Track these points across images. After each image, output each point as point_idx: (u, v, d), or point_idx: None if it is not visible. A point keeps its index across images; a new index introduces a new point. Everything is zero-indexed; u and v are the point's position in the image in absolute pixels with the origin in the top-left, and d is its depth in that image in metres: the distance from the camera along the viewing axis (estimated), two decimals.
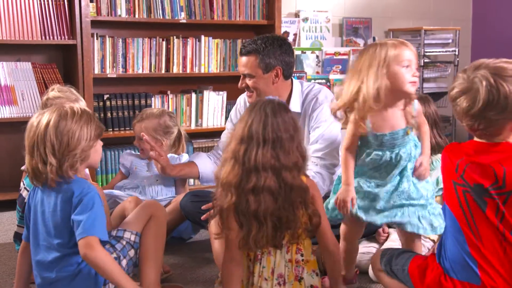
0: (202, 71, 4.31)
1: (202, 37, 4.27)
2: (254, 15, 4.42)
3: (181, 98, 4.28)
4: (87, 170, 2.54)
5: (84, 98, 3.79)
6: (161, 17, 4.10)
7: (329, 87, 4.90)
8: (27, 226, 2.09)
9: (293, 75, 2.90)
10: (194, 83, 4.45)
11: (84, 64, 3.81)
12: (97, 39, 3.93)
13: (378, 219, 2.14)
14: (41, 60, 3.97)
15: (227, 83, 4.39)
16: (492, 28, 5.63)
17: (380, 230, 2.63)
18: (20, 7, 3.72)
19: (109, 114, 4.04)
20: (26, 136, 1.99)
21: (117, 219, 2.66)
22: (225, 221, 1.92)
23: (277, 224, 1.89)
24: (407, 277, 1.94)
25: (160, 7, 4.09)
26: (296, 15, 4.94)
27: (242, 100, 3.03)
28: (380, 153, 2.11)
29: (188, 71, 4.26)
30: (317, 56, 4.92)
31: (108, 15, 3.94)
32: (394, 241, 2.55)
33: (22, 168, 2.38)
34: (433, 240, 2.56)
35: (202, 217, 2.44)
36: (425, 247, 2.44)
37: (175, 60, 4.20)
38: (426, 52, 5.19)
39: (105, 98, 4.03)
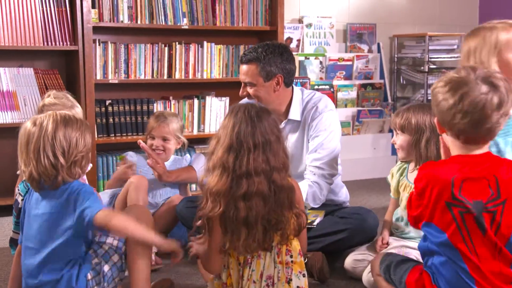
0: (205, 77, 4.30)
1: (205, 43, 4.26)
2: (257, 21, 4.41)
3: (183, 104, 4.28)
4: (84, 176, 2.56)
5: (86, 104, 3.83)
6: (164, 23, 4.10)
7: (332, 93, 4.89)
8: (22, 230, 2.10)
9: (296, 81, 2.88)
10: (197, 89, 4.44)
11: (86, 70, 3.82)
12: (99, 45, 3.94)
13: None
14: (43, 66, 3.98)
15: (229, 89, 4.38)
16: None
17: (380, 239, 2.60)
18: (23, 13, 3.74)
19: (111, 120, 4.04)
20: (25, 142, 2.00)
21: (121, 202, 2.78)
22: (210, 230, 1.92)
23: (266, 226, 1.90)
24: None
25: (162, 13, 4.09)
26: (300, 21, 4.93)
27: None
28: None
29: (191, 77, 4.26)
30: (321, 62, 4.91)
31: (110, 21, 3.95)
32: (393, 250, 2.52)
33: (18, 172, 2.38)
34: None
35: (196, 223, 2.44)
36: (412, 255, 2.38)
37: (177, 66, 4.20)
38: (431, 58, 5.17)
39: (107, 104, 4.03)
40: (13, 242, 2.73)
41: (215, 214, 1.88)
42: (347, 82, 4.99)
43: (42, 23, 3.79)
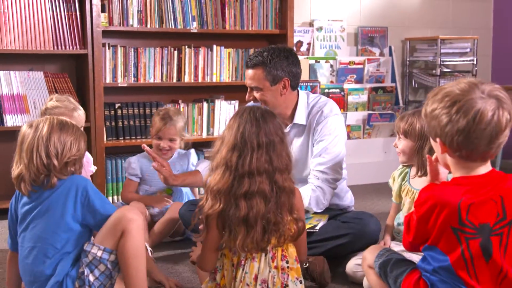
0: (214, 80, 4.31)
1: (214, 46, 4.27)
2: (267, 25, 4.40)
3: (192, 107, 4.28)
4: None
5: (95, 107, 3.85)
6: (173, 27, 4.11)
7: (343, 96, 4.87)
8: (11, 235, 2.10)
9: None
10: (206, 93, 4.45)
11: (95, 73, 3.84)
12: (108, 48, 3.96)
13: None
14: (53, 69, 4.01)
15: (239, 92, 4.37)
16: None
17: (381, 243, 2.58)
18: (33, 17, 3.77)
19: (120, 123, 4.06)
20: (19, 142, 2.00)
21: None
22: (207, 227, 1.93)
23: (265, 226, 1.90)
24: None
25: (172, 17, 4.10)
26: (311, 24, 4.91)
27: None
28: None
29: (200, 80, 4.27)
30: (331, 65, 4.89)
31: (120, 25, 3.97)
32: None
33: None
34: None
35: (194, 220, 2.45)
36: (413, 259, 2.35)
37: (186, 70, 4.21)
38: (443, 61, 5.12)
39: (116, 107, 4.05)
40: None
41: (214, 212, 1.89)
42: (358, 86, 4.97)
43: (52, 27, 3.82)
